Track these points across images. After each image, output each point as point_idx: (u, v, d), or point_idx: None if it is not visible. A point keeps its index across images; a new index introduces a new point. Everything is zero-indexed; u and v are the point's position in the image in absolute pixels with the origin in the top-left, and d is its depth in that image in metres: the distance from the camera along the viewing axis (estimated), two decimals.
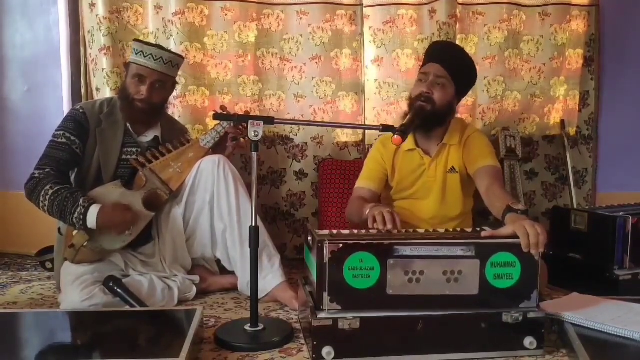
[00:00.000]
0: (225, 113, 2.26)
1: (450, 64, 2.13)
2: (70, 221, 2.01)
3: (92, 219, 1.99)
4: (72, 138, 2.14)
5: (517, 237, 1.62)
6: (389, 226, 1.83)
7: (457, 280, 1.62)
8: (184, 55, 2.62)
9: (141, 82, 2.16)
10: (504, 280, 1.62)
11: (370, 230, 1.86)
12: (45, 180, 2.05)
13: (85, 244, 2.04)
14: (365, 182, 2.26)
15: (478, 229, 1.79)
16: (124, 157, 2.20)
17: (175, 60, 2.23)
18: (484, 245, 1.63)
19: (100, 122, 2.19)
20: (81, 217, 1.99)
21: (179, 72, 2.70)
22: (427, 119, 2.10)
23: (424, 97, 2.11)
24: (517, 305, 1.63)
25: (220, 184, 2.16)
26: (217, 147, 2.32)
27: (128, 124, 2.22)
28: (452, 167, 2.20)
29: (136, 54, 2.16)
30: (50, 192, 2.02)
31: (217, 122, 2.27)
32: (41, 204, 2.04)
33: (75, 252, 2.04)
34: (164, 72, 2.18)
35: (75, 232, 2.05)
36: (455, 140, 2.19)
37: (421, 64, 2.89)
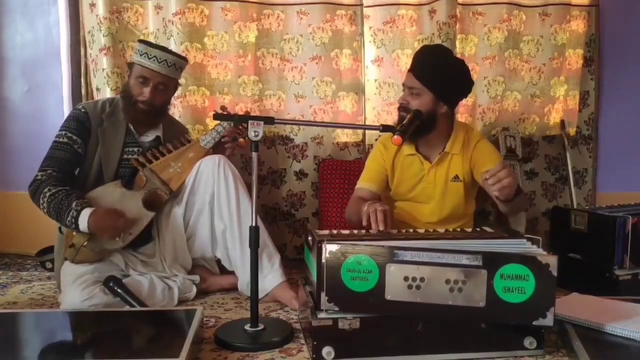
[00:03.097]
0: (225, 113, 2.26)
1: (420, 73, 2.10)
2: (65, 224, 2.03)
3: (83, 223, 1.99)
4: (74, 137, 2.14)
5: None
6: (381, 227, 1.83)
7: (461, 291, 1.54)
8: (181, 53, 2.63)
9: (144, 84, 2.16)
10: (514, 294, 1.53)
11: (371, 231, 1.86)
12: (46, 182, 2.06)
13: (85, 244, 2.04)
14: (365, 183, 2.26)
15: (478, 229, 1.78)
16: (125, 156, 2.20)
17: (179, 63, 2.23)
18: (493, 255, 1.55)
19: (101, 122, 2.19)
20: (73, 220, 1.99)
21: None
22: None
23: (402, 107, 2.13)
24: (530, 323, 1.55)
25: (220, 184, 2.16)
26: (217, 147, 2.32)
27: (129, 124, 2.23)
28: (456, 175, 2.19)
29: (140, 55, 2.15)
30: (48, 194, 2.03)
31: (217, 122, 2.27)
32: (41, 207, 2.06)
33: (75, 251, 2.05)
34: (167, 74, 2.18)
35: (75, 232, 2.05)
36: (457, 148, 2.19)
37: None
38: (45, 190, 2.04)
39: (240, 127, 2.32)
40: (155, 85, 2.16)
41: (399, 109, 2.16)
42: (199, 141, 2.30)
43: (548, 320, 1.54)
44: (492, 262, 1.54)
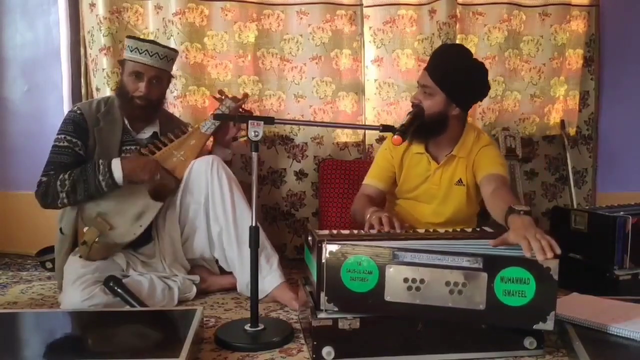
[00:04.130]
0: (222, 97, 2.36)
1: (434, 72, 2.06)
2: (95, 183, 2.04)
3: (117, 171, 2.04)
4: (74, 140, 2.15)
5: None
6: (386, 228, 1.82)
7: (461, 293, 1.54)
8: (181, 53, 2.66)
9: (139, 79, 2.17)
10: (515, 298, 1.52)
11: (372, 231, 1.85)
12: (54, 177, 2.07)
13: (97, 240, 2.05)
14: (372, 180, 2.25)
15: (478, 229, 1.78)
16: (123, 155, 2.20)
17: (171, 55, 2.25)
18: (494, 258, 1.54)
19: (98, 122, 2.19)
20: (107, 171, 2.04)
21: (180, 72, 2.72)
22: (420, 127, 2.08)
23: (414, 106, 2.10)
24: (530, 327, 1.55)
25: (214, 185, 2.15)
26: (219, 132, 2.34)
27: (126, 122, 2.23)
28: (460, 179, 2.16)
29: (131, 50, 2.16)
30: (66, 175, 2.06)
31: (217, 107, 2.34)
32: (60, 194, 2.06)
33: (88, 248, 2.06)
34: (160, 67, 2.19)
35: (86, 229, 2.06)
36: (464, 152, 2.16)
37: (421, 63, 2.92)
38: (61, 177, 2.07)
39: (242, 109, 2.36)
40: (149, 79, 2.17)
41: (412, 106, 2.12)
42: (200, 127, 2.30)
43: (548, 325, 1.54)
44: (493, 264, 1.53)
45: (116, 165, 2.05)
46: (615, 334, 1.63)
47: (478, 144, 2.17)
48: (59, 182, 2.06)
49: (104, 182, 2.05)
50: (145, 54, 2.15)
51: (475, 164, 2.15)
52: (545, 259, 1.51)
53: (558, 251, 1.52)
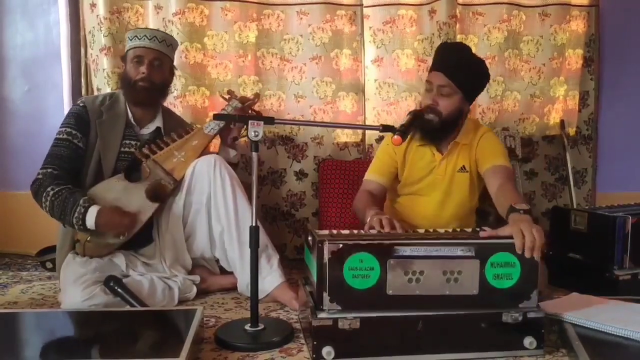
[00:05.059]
0: (229, 97, 2.36)
1: (453, 72, 2.06)
2: (70, 221, 2.03)
3: (90, 220, 2.01)
4: (74, 132, 2.15)
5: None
6: (386, 229, 1.83)
7: (457, 280, 1.61)
8: (181, 53, 2.67)
9: (140, 63, 2.20)
10: (503, 280, 1.62)
11: (371, 231, 1.86)
12: (47, 181, 2.07)
13: (88, 239, 2.06)
14: (374, 175, 2.25)
15: (477, 229, 1.78)
16: (123, 149, 2.20)
17: (169, 40, 2.28)
18: (484, 245, 1.63)
19: (100, 114, 2.20)
20: (80, 217, 2.01)
21: (180, 72, 2.72)
22: (436, 130, 2.10)
23: (430, 109, 2.08)
24: (516, 305, 1.63)
25: (216, 185, 2.15)
26: (224, 133, 2.35)
27: (130, 116, 2.24)
28: (463, 166, 2.18)
29: (131, 40, 2.22)
30: (51, 193, 2.04)
31: (223, 108, 2.34)
32: (44, 205, 2.07)
33: (82, 246, 2.08)
34: (160, 50, 2.22)
35: (78, 230, 2.06)
36: (467, 139, 2.18)
37: (421, 63, 2.92)
38: (49, 189, 2.05)
39: (252, 110, 2.37)
40: (150, 61, 2.20)
41: (424, 110, 2.09)
42: (203, 128, 2.30)
43: (532, 302, 1.63)
44: (483, 251, 1.62)
45: (91, 215, 2.01)
46: (615, 333, 1.63)
47: (478, 132, 2.21)
48: (44, 193, 2.05)
49: (76, 226, 2.04)
50: (144, 38, 2.20)
51: (477, 153, 2.17)
52: (530, 254, 1.61)
53: (537, 256, 1.61)
